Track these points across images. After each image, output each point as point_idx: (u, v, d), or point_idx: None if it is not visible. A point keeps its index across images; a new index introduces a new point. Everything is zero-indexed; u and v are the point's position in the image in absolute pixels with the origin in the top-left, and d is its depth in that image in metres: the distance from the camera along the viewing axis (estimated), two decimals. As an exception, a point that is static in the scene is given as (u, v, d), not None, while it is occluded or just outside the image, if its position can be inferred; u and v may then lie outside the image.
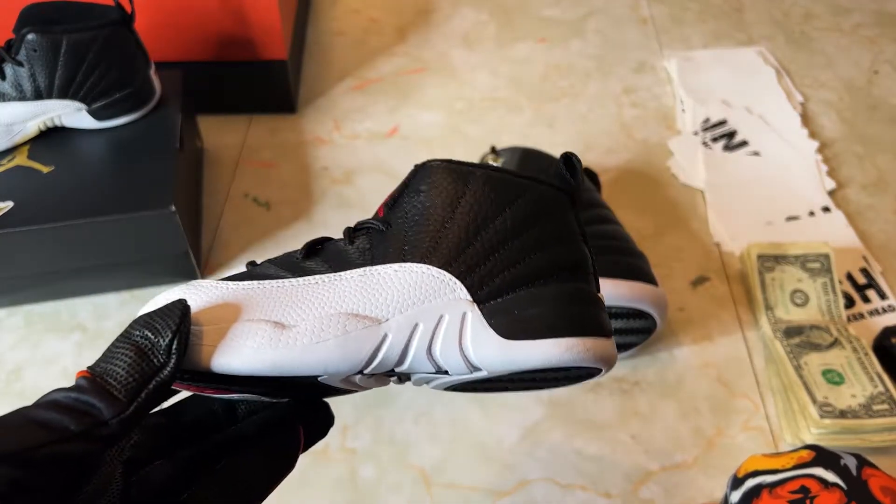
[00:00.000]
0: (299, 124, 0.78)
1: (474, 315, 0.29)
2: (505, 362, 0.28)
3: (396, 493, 0.51)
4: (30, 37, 0.55)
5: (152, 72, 0.62)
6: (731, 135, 0.76)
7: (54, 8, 0.57)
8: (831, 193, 0.71)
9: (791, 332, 0.57)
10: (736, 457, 0.52)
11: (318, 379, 0.28)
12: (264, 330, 0.27)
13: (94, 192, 0.56)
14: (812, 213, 0.69)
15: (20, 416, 0.22)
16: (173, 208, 0.55)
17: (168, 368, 0.24)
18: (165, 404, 0.28)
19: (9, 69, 0.56)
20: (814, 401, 0.52)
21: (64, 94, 0.58)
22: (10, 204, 0.55)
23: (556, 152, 0.74)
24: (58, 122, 0.60)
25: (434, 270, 0.29)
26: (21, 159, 0.59)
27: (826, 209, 0.69)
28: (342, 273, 0.29)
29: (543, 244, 0.30)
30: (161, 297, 0.29)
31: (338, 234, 0.29)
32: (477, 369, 0.29)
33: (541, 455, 0.52)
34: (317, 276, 0.29)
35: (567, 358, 0.28)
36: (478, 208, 0.30)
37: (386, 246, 0.30)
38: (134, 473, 0.27)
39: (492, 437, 0.53)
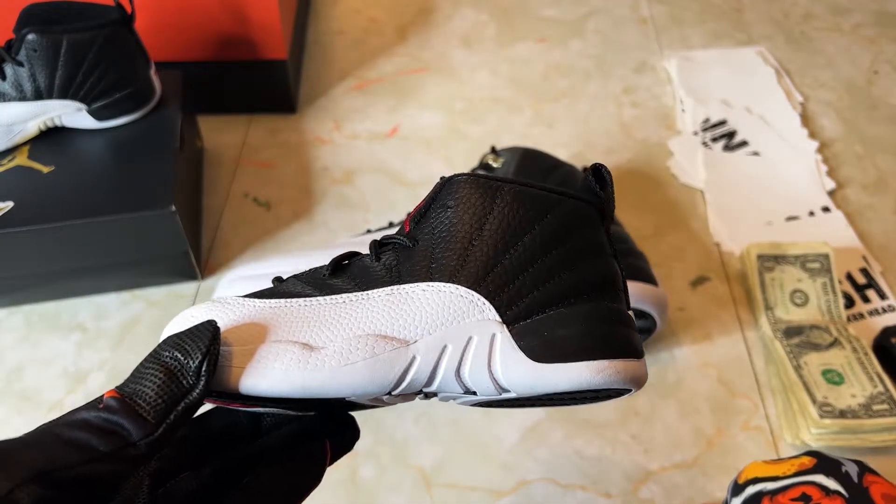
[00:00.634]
0: (299, 124, 0.78)
1: (503, 336, 0.28)
2: (534, 385, 0.28)
3: (396, 493, 0.51)
4: (30, 37, 0.55)
5: (152, 72, 0.62)
6: (731, 135, 0.76)
7: (54, 8, 0.57)
8: (831, 193, 0.71)
9: (791, 332, 0.57)
10: (736, 457, 0.53)
11: (346, 399, 0.28)
12: (293, 352, 0.27)
13: (94, 192, 0.56)
14: (812, 213, 0.69)
15: (49, 434, 0.22)
16: (173, 208, 0.55)
17: (197, 390, 0.24)
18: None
19: (9, 69, 0.56)
20: (814, 401, 0.52)
21: (64, 94, 0.58)
22: (10, 204, 0.55)
23: (556, 152, 0.74)
24: (58, 122, 0.60)
25: (462, 290, 0.29)
26: (21, 159, 0.59)
27: (826, 209, 0.69)
28: (369, 292, 0.29)
29: (573, 262, 0.29)
30: (186, 313, 0.29)
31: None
32: (506, 391, 0.28)
33: (541, 455, 0.53)
34: (344, 295, 0.29)
35: (598, 381, 0.28)
36: (506, 225, 0.29)
37: (413, 263, 0.30)
38: (160, 486, 0.27)
39: (492, 437, 0.53)
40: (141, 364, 0.25)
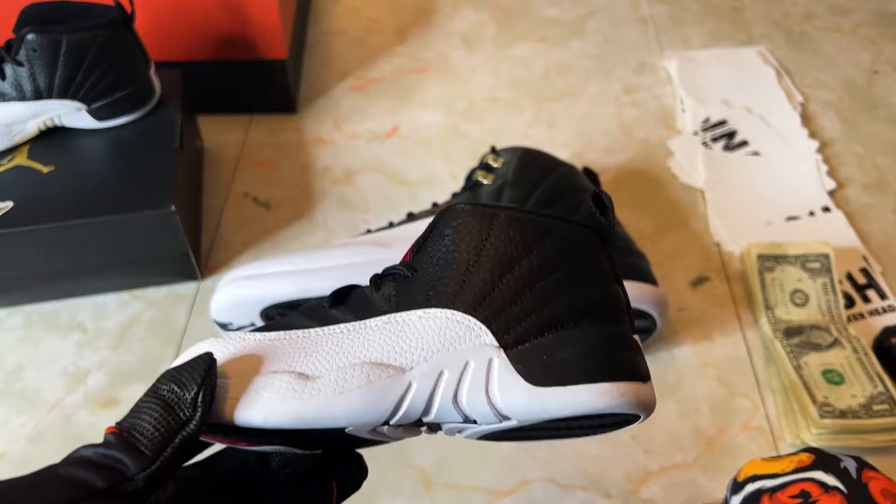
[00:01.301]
0: (299, 124, 0.78)
1: (501, 361, 0.28)
2: (535, 410, 0.27)
3: (396, 494, 0.51)
4: (30, 37, 0.55)
5: (152, 72, 0.62)
6: (731, 135, 0.76)
7: (54, 8, 0.57)
8: (831, 193, 0.71)
9: (791, 332, 0.57)
10: (736, 457, 0.52)
11: (346, 431, 0.28)
12: (287, 381, 0.27)
13: (94, 192, 0.56)
14: (812, 213, 0.69)
15: (48, 473, 0.22)
16: (173, 208, 0.55)
17: (194, 422, 0.24)
18: (200, 456, 0.28)
19: (9, 69, 0.56)
20: (814, 401, 0.52)
21: (64, 94, 0.58)
22: (10, 204, 0.55)
23: (556, 152, 0.74)
24: (58, 122, 0.60)
25: (459, 315, 0.28)
26: (21, 159, 0.59)
27: (826, 209, 0.69)
28: (367, 321, 0.29)
29: (572, 285, 0.29)
30: (190, 350, 0.29)
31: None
32: (506, 418, 0.28)
33: (541, 455, 0.52)
34: (341, 325, 0.29)
35: (600, 404, 0.27)
36: (503, 250, 0.29)
37: (411, 292, 0.30)
38: None
39: (492, 437, 0.53)
40: (140, 399, 0.25)
